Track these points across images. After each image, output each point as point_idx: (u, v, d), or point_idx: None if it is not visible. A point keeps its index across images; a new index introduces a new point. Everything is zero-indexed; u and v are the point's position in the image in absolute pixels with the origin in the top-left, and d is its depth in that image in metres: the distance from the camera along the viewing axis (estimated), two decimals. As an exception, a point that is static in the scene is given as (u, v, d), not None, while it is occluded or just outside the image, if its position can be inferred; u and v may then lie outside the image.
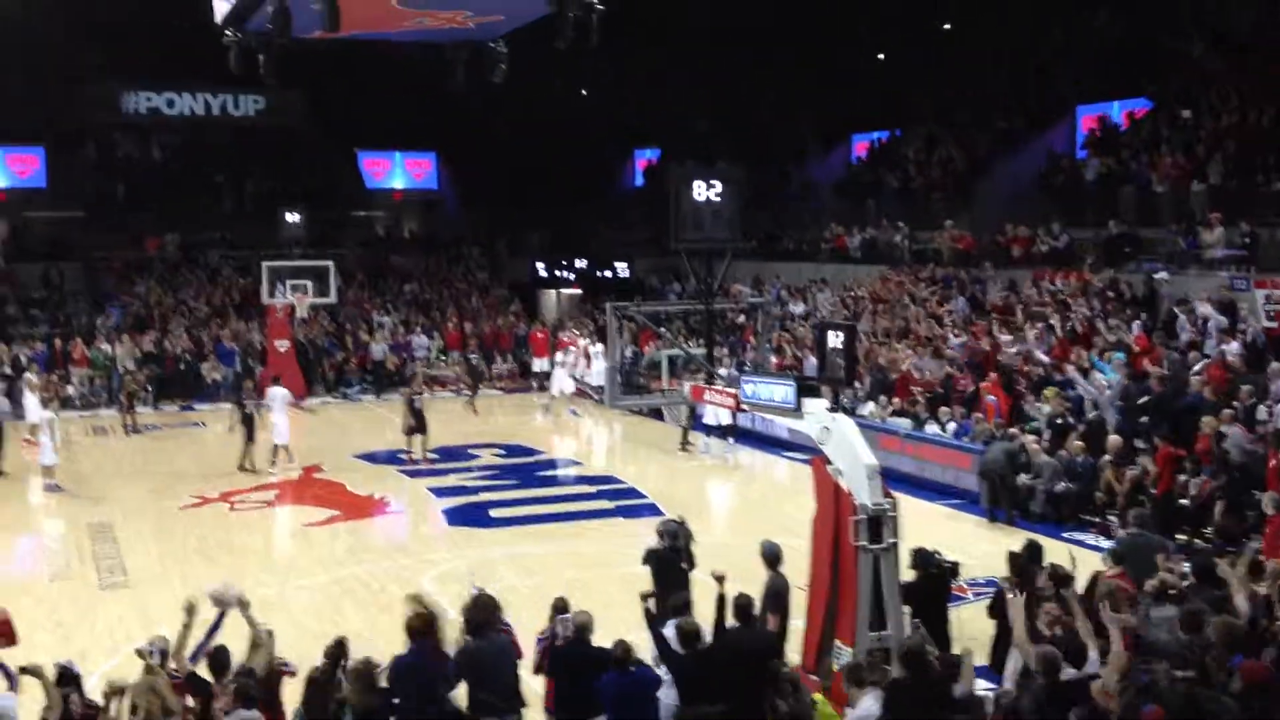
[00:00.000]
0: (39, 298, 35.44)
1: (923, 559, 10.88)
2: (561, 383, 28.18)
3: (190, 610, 8.80)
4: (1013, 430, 18.75)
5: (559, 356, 29.20)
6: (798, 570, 11.22)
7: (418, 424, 22.52)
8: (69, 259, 37.13)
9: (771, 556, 10.83)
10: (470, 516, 18.68)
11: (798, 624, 11.08)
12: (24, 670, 8.24)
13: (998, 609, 10.34)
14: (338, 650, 8.76)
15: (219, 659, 8.49)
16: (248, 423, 21.58)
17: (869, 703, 8.18)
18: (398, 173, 45.63)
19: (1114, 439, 17.21)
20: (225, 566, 15.73)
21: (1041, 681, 7.83)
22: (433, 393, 28.91)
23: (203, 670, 8.56)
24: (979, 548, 15.76)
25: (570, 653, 9.03)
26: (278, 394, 22.38)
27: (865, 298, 27.89)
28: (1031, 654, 8.22)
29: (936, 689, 8.16)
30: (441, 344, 34.00)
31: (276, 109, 42.46)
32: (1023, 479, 17.72)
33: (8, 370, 28.54)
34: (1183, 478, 16.02)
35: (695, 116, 43.99)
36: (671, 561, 11.31)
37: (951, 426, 20.43)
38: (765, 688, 8.55)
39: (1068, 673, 7.98)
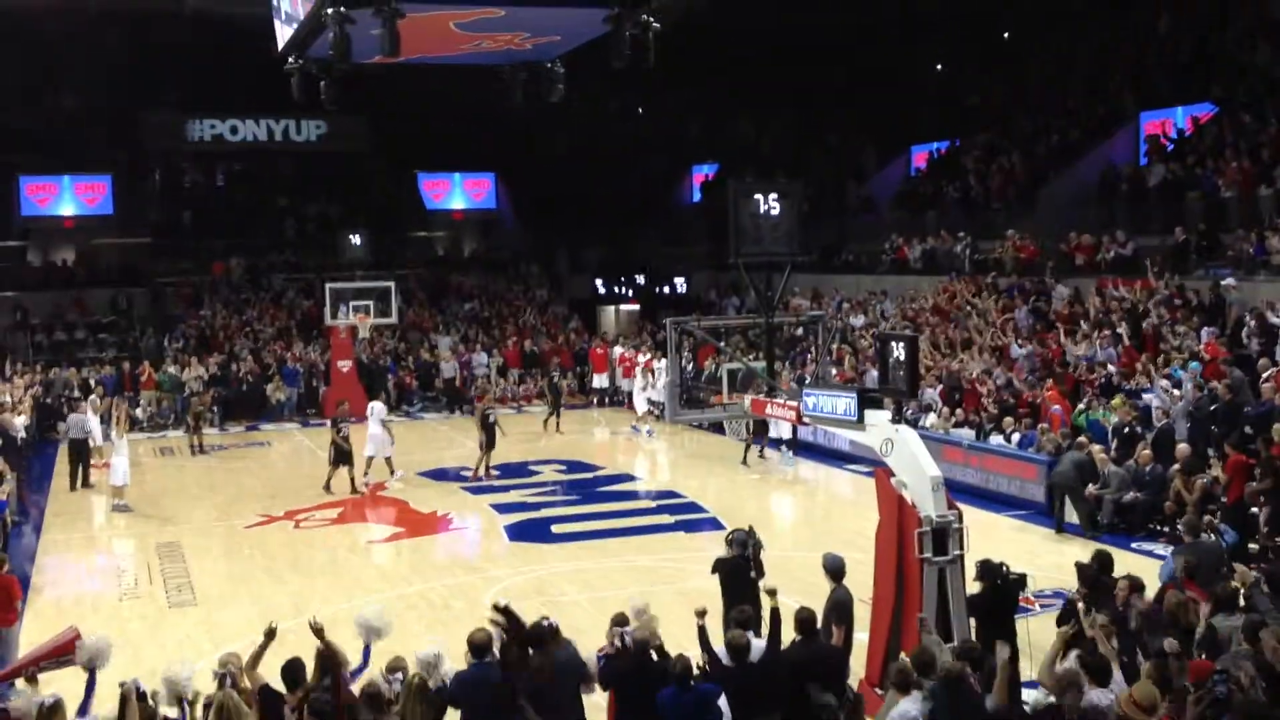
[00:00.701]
0: (107, 322, 36.12)
1: (988, 570, 10.74)
2: (641, 400, 28.17)
3: (270, 634, 8.87)
4: (1081, 439, 18.49)
5: (638, 375, 29.23)
6: (861, 584, 11.13)
7: (489, 440, 22.67)
8: (137, 284, 37.83)
9: (835, 569, 10.75)
10: (532, 532, 18.72)
11: (861, 637, 10.99)
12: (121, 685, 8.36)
13: (1066, 621, 10.18)
14: (396, 666, 8.83)
15: (292, 673, 8.56)
16: (345, 443, 21.71)
17: (908, 705, 8.13)
18: (457, 193, 46.03)
19: (1183, 447, 16.92)
20: (291, 584, 15.93)
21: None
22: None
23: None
24: (1047, 559, 15.57)
25: (631, 667, 9.02)
26: (376, 408, 22.73)
27: (926, 309, 27.67)
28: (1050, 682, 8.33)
29: (974, 709, 8.12)
30: (501, 361, 34.20)
31: (337, 134, 43.01)
32: (1090, 489, 17.47)
33: (76, 394, 29.14)
34: (1253, 485, 15.69)
35: (753, 131, 44.00)
36: (740, 570, 11.37)
37: (1016, 437, 20.18)
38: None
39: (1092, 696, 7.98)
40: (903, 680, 8.33)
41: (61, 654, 8.98)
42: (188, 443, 26.99)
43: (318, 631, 8.78)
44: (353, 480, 21.67)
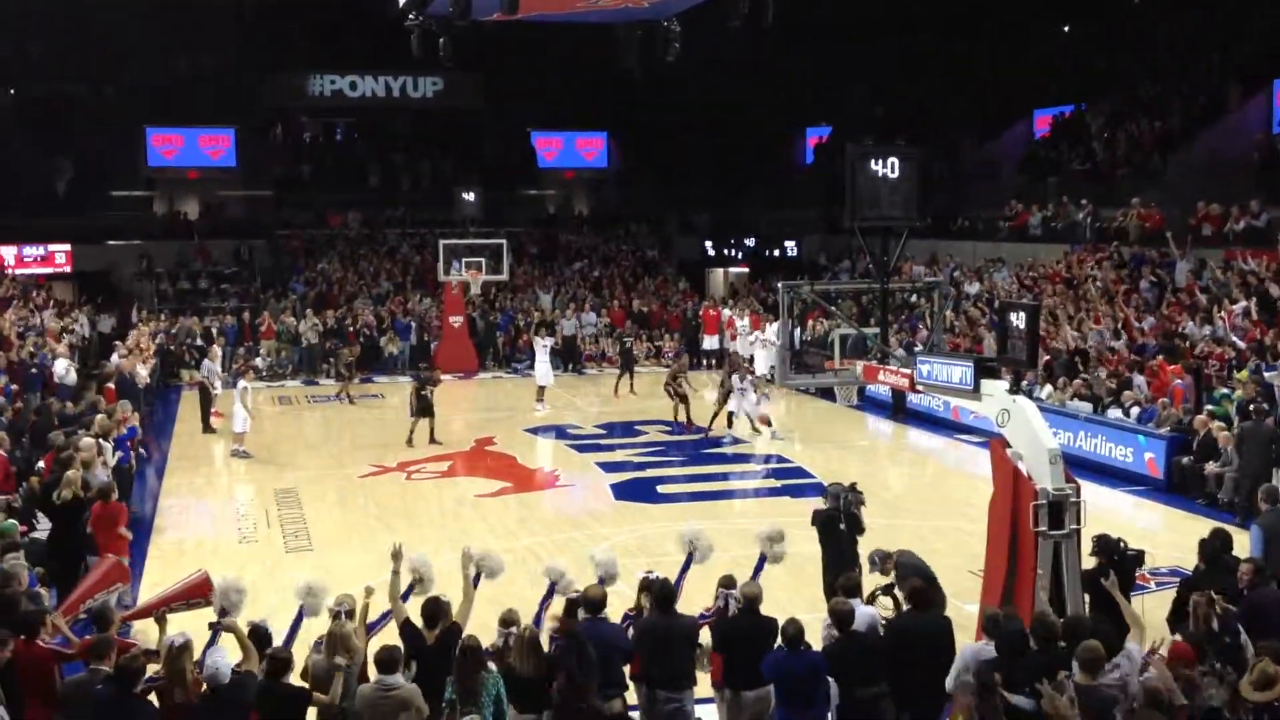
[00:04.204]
0: (229, 273, 37.03)
1: (1105, 546, 10.50)
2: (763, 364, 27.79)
3: (396, 556, 9.18)
4: (1201, 417, 17.92)
5: (758, 335, 28.82)
6: (973, 555, 11.00)
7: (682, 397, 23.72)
8: (258, 236, 38.69)
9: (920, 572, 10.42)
10: (638, 492, 18.81)
11: (971, 609, 10.84)
12: (220, 625, 8.61)
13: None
14: (509, 619, 8.97)
15: (433, 610, 8.76)
16: (423, 400, 22.05)
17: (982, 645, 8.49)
18: (569, 152, 46.14)
19: (1308, 426, 16.36)
20: (402, 534, 16.19)
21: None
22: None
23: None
24: (1164, 537, 15.21)
25: (740, 624, 9.03)
26: (540, 342, 26.47)
27: (1045, 277, 27.04)
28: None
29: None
30: (608, 321, 34.29)
31: (453, 91, 43.50)
32: (1211, 466, 16.97)
33: (200, 342, 30.02)
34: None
35: (869, 93, 43.30)
36: (831, 522, 11.74)
37: (1135, 411, 19.66)
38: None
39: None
40: (990, 625, 8.74)
41: (191, 596, 9.21)
42: (338, 391, 27.60)
43: (396, 555, 9.16)
44: (432, 431, 22.06)
